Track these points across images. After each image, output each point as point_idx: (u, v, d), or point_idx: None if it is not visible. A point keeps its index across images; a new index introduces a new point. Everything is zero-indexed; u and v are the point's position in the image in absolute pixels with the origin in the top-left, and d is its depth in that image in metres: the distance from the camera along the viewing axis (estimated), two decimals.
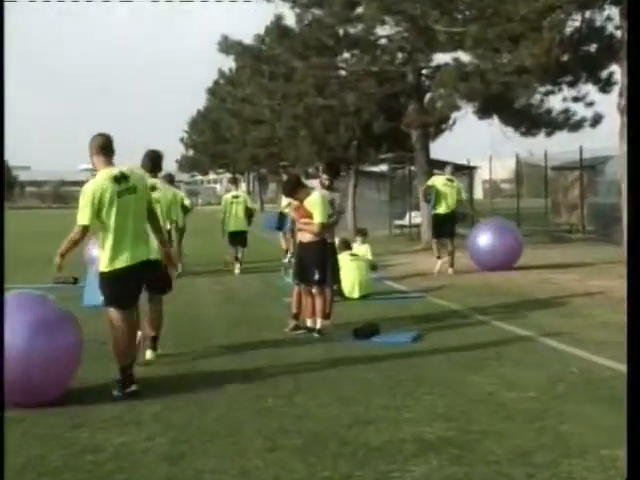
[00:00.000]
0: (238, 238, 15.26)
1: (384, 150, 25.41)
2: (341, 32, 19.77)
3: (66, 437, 4.97)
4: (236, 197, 15.61)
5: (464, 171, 26.72)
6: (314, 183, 10.63)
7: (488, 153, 31.31)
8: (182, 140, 71.01)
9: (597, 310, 9.54)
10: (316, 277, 8.31)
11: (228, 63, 45.34)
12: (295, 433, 4.92)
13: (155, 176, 7.61)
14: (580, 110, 18.96)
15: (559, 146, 23.88)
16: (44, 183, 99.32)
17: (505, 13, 14.49)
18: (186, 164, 75.19)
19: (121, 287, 6.01)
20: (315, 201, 8.34)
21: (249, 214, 15.50)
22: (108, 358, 6.26)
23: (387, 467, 4.31)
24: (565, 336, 7.92)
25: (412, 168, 25.13)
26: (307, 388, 6.05)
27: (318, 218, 8.29)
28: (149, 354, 7.16)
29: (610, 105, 15.69)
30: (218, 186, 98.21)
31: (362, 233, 13.60)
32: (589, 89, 18.05)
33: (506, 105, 18.55)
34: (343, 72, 21.43)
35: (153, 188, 7.31)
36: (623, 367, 5.81)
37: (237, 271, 14.95)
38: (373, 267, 12.42)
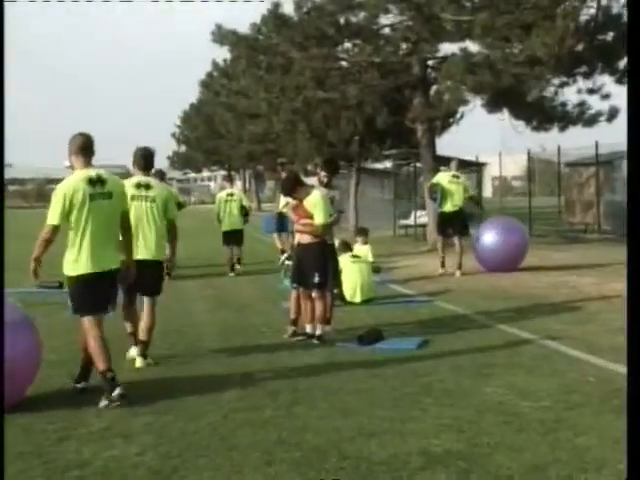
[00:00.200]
0: (233, 237, 15.52)
1: (388, 146, 25.42)
2: (342, 21, 19.72)
3: (50, 451, 4.94)
4: (231, 195, 15.83)
5: (472, 167, 26.58)
6: (313, 181, 10.61)
7: (498, 149, 31.26)
8: (174, 135, 71.14)
9: (614, 315, 9.49)
10: (316, 280, 8.29)
11: (222, 54, 45.54)
12: (294, 446, 4.91)
13: (148, 174, 7.65)
14: (595, 103, 18.99)
15: (572, 141, 23.87)
16: (27, 181, 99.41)
17: (516, 0, 14.49)
18: (178, 161, 75.20)
19: (86, 295, 6.09)
20: (315, 201, 8.33)
21: (244, 212, 15.78)
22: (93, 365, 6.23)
23: None
24: (581, 342, 7.91)
25: (417, 165, 25.09)
26: (307, 398, 6.03)
27: (320, 219, 8.28)
28: (139, 361, 7.20)
29: None
30: (212, 184, 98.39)
31: (363, 233, 13.54)
32: (605, 80, 18.11)
33: (517, 98, 18.49)
34: (344, 63, 21.39)
35: (148, 186, 7.38)
36: None
37: (231, 274, 15.04)
38: (376, 270, 12.38)
